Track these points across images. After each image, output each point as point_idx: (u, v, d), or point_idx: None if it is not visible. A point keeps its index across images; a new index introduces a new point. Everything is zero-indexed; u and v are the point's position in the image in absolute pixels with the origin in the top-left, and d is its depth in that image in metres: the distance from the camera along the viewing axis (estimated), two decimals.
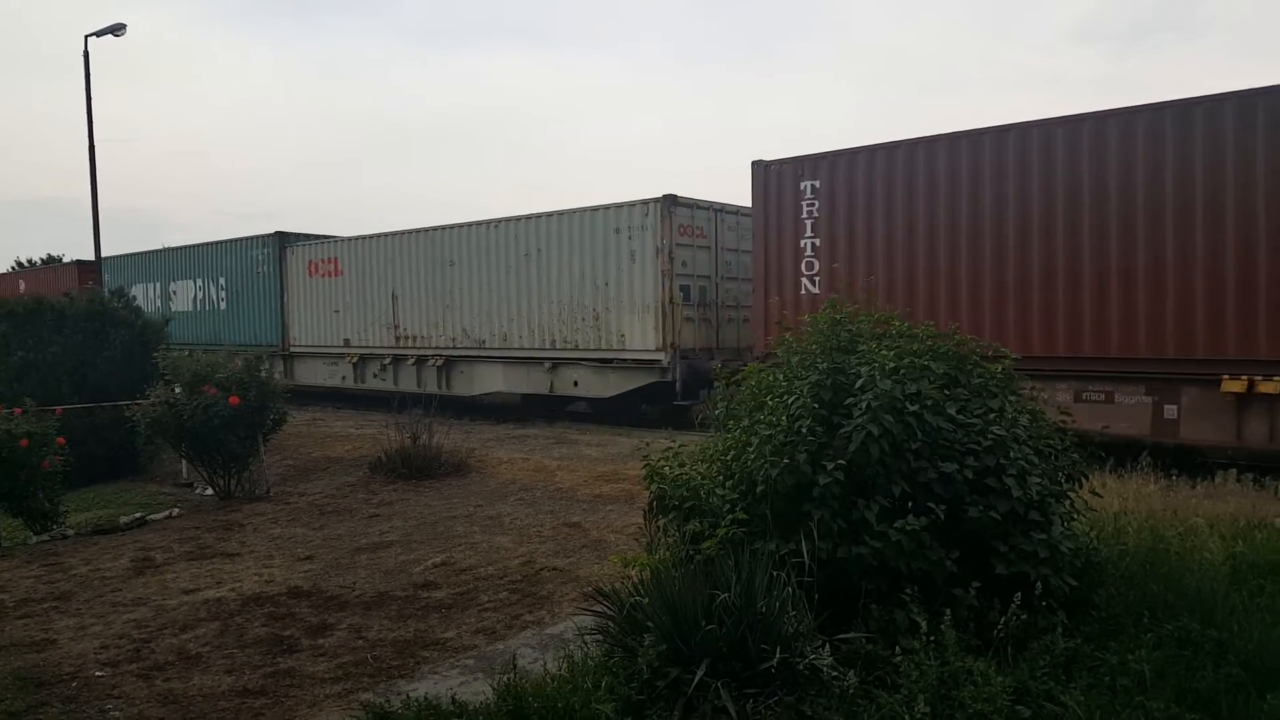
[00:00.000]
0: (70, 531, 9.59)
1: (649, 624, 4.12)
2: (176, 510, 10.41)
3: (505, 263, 16.45)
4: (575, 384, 15.60)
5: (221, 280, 22.78)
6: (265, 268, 21.45)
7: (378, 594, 6.59)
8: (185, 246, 24.05)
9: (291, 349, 21.07)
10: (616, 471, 10.54)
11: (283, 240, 21.26)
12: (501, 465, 11.51)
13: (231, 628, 5.93)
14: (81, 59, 21.42)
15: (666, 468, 5.25)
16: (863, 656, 4.12)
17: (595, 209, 15.16)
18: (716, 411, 5.65)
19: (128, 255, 25.89)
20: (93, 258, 22.92)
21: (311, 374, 20.74)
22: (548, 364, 15.84)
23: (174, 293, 24.33)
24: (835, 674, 3.92)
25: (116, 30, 21.06)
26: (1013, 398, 5.22)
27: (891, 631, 4.24)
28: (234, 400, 10.40)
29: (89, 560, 8.06)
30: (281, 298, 21.16)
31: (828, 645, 4.08)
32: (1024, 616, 4.27)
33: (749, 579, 4.08)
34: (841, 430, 4.61)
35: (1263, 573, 5.34)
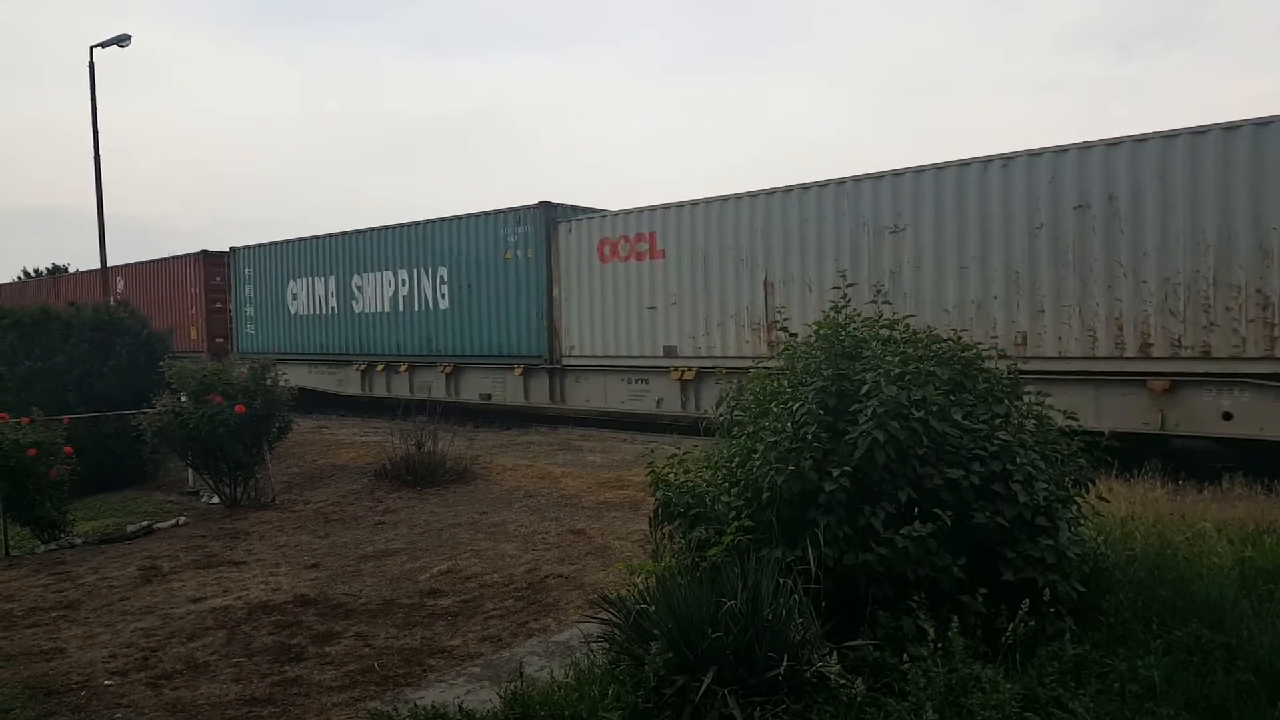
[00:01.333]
0: (78, 540, 9.62)
1: (655, 631, 4.12)
2: (183, 518, 10.44)
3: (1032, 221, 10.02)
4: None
5: (442, 271, 16.80)
6: (522, 251, 15.47)
7: (384, 602, 6.59)
8: (378, 229, 18.25)
9: (565, 360, 15.12)
10: (621, 478, 10.53)
11: (550, 213, 15.28)
12: (505, 472, 11.51)
13: (238, 636, 5.94)
14: (87, 69, 21.55)
15: (671, 474, 5.25)
16: (870, 664, 4.11)
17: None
18: (721, 417, 5.65)
19: (276, 244, 20.58)
20: (98, 266, 23.03)
21: (598, 394, 14.85)
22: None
23: (359, 289, 18.57)
24: (843, 682, 3.90)
25: (121, 41, 21.20)
26: (1018, 402, 5.21)
27: (899, 639, 4.23)
28: (240, 408, 10.43)
29: (96, 569, 8.08)
30: (549, 291, 15.15)
31: (835, 653, 4.07)
32: (1032, 623, 4.25)
33: (755, 586, 4.07)
34: (847, 436, 4.60)
35: (1272, 578, 5.31)
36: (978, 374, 5.19)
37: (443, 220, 16.94)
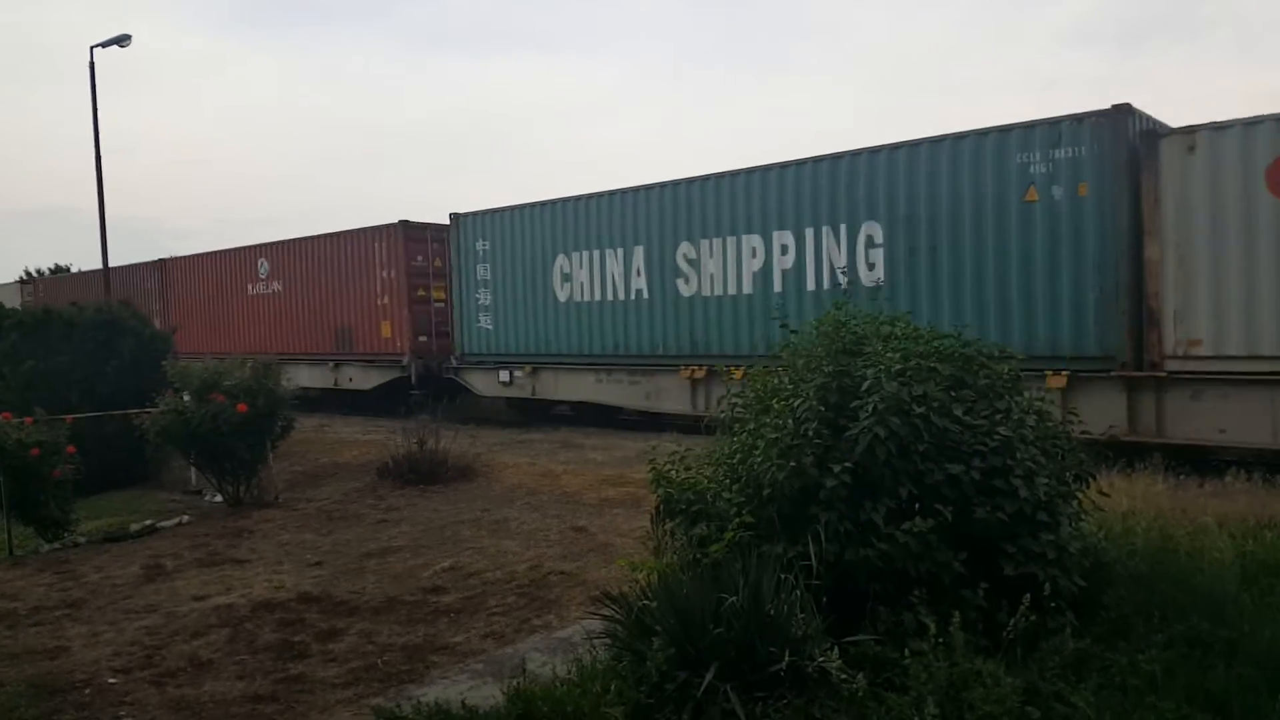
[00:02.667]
0: (81, 539, 9.65)
1: (657, 628, 4.13)
2: (186, 517, 10.47)
3: None
4: None
5: (870, 229, 11.29)
6: (1063, 186, 9.76)
7: (387, 599, 6.61)
8: (737, 172, 12.71)
9: (1172, 364, 9.18)
10: (622, 475, 10.54)
11: (1133, 123, 9.52)
12: (507, 470, 11.53)
13: (242, 634, 5.96)
14: (88, 69, 21.56)
15: (673, 471, 5.26)
16: (871, 659, 4.12)
17: None
18: (722, 414, 5.66)
19: (530, 206, 15.41)
20: (100, 266, 23.05)
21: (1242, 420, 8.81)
22: None
23: (689, 263, 13.09)
24: (844, 676, 3.91)
25: (122, 41, 21.19)
26: (1019, 398, 5.21)
27: (900, 633, 4.24)
28: (242, 407, 10.45)
29: (100, 568, 8.10)
30: (1133, 251, 9.38)
31: (836, 648, 4.08)
32: (1033, 617, 4.26)
33: (756, 582, 4.08)
34: (848, 433, 4.61)
35: (1273, 572, 5.32)
36: (979, 370, 5.19)
37: (890, 148, 11.12)
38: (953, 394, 4.88)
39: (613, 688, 4.10)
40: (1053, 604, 4.44)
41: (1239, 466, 8.15)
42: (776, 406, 5.00)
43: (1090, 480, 5.21)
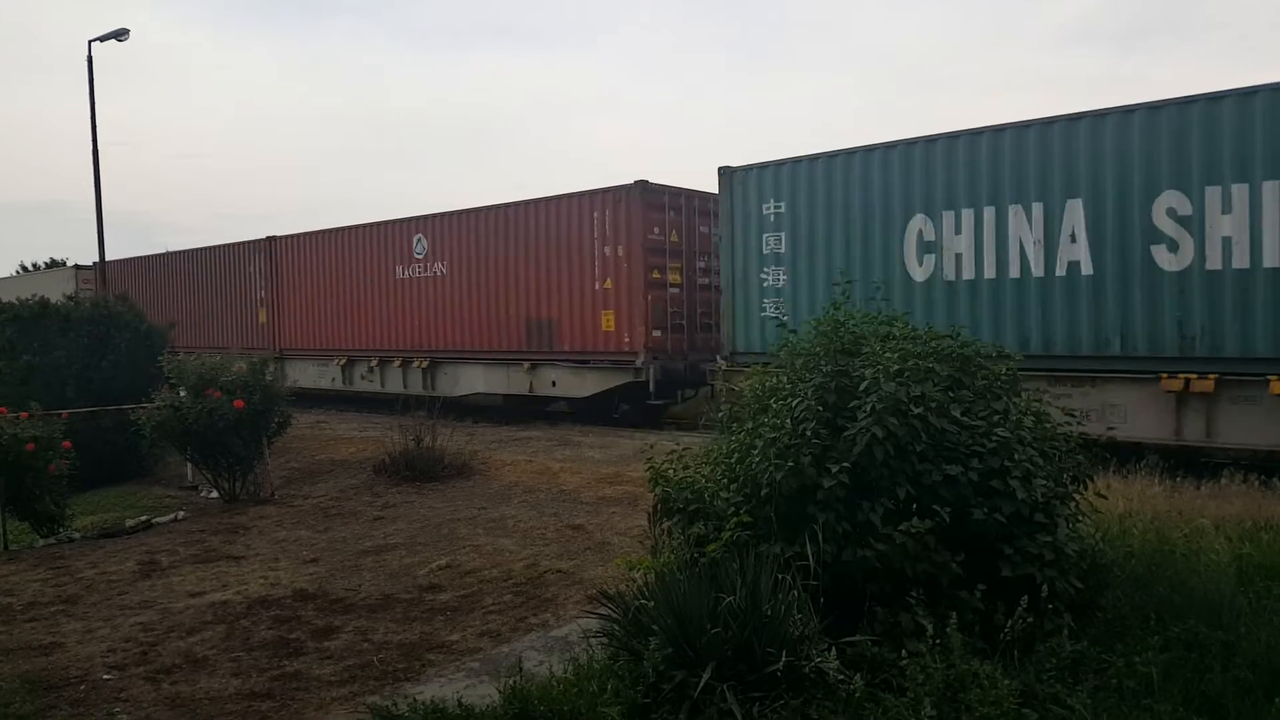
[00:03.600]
0: (76, 535, 9.63)
1: (654, 627, 4.13)
2: (182, 513, 10.44)
3: None
4: None
5: None
6: None
7: (383, 597, 6.60)
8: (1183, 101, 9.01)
9: None
10: (620, 474, 10.54)
11: None
12: (504, 467, 11.52)
13: (237, 631, 5.94)
14: (86, 63, 21.48)
15: (670, 470, 5.25)
16: (868, 659, 4.12)
17: None
18: (720, 414, 5.65)
19: (841, 153, 11.63)
20: (96, 261, 22.98)
21: None
22: None
23: (1173, 218, 9.15)
24: (841, 677, 3.91)
25: (120, 35, 21.12)
26: (1017, 399, 5.21)
27: (897, 634, 4.24)
28: (238, 403, 10.43)
29: (95, 564, 8.08)
30: None
31: (833, 648, 4.08)
32: (1030, 619, 4.26)
33: (754, 582, 4.08)
34: (846, 433, 4.60)
35: (1270, 574, 5.32)
36: (976, 370, 5.20)
37: None
38: (951, 394, 4.88)
39: (609, 687, 4.10)
40: (1050, 606, 4.44)
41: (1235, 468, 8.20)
42: (775, 406, 5.00)
43: (1088, 482, 5.21)
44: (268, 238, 21.44)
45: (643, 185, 13.90)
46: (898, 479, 4.51)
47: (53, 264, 40.83)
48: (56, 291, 22.98)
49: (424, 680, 4.95)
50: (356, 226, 19.13)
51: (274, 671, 5.20)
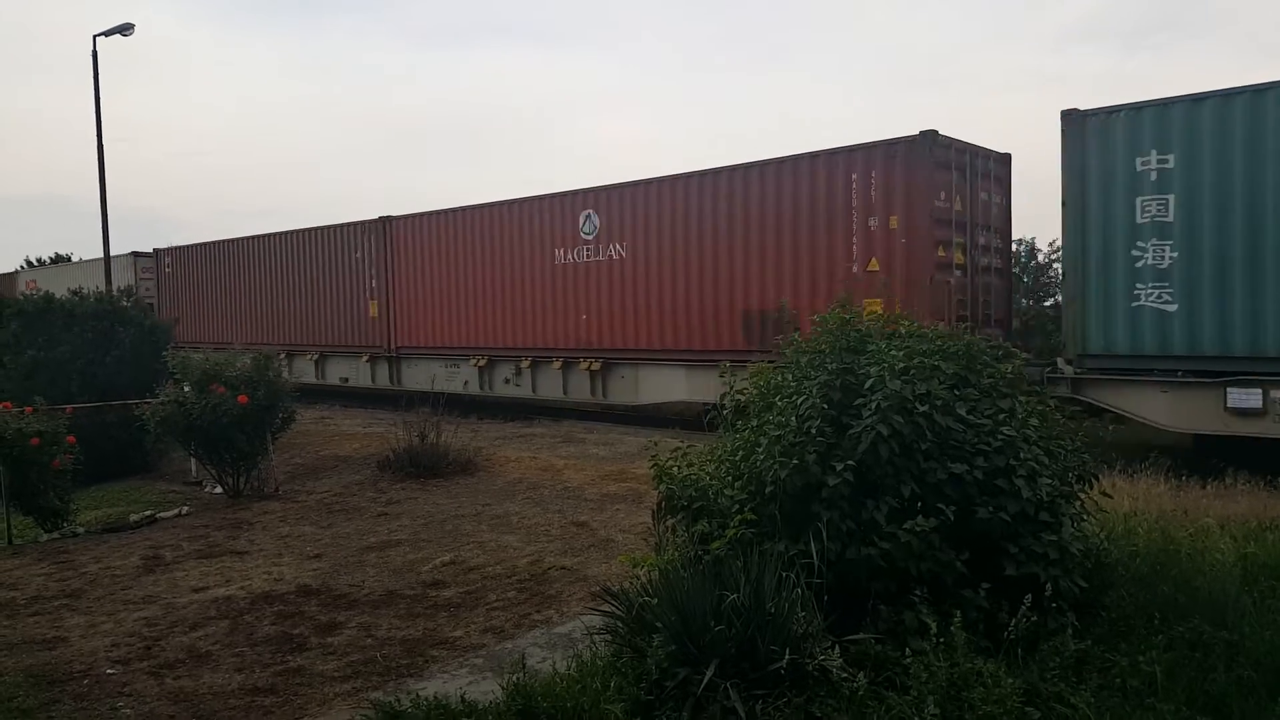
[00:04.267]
0: (80, 529, 9.65)
1: (658, 624, 4.13)
2: (186, 508, 10.46)
3: None
4: None
5: None
6: None
7: (386, 592, 6.61)
8: None
9: None
10: (624, 470, 10.54)
11: None
12: (509, 464, 11.52)
13: (241, 626, 5.95)
14: (90, 59, 21.49)
15: (675, 468, 5.25)
16: (872, 658, 4.12)
17: None
18: (725, 412, 5.65)
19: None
20: (100, 255, 22.99)
21: None
22: None
23: None
24: (844, 675, 3.91)
25: (124, 30, 21.14)
26: (1023, 398, 5.20)
27: (901, 633, 4.24)
28: (243, 399, 10.44)
29: (99, 558, 8.10)
30: None
31: (837, 646, 4.08)
32: (1034, 618, 4.26)
33: (758, 580, 4.08)
34: (851, 431, 4.60)
35: (1275, 574, 5.31)
36: (982, 369, 5.19)
37: None
38: (956, 393, 4.87)
39: (613, 684, 4.10)
40: (1054, 604, 4.44)
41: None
42: (779, 404, 5.00)
43: (1093, 481, 5.20)
44: (381, 218, 18.04)
45: (931, 137, 10.86)
46: (903, 477, 4.51)
47: (58, 259, 40.85)
48: (116, 279, 22.35)
49: (427, 676, 4.95)
50: (500, 203, 15.88)
51: (277, 667, 5.21)
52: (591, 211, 14.48)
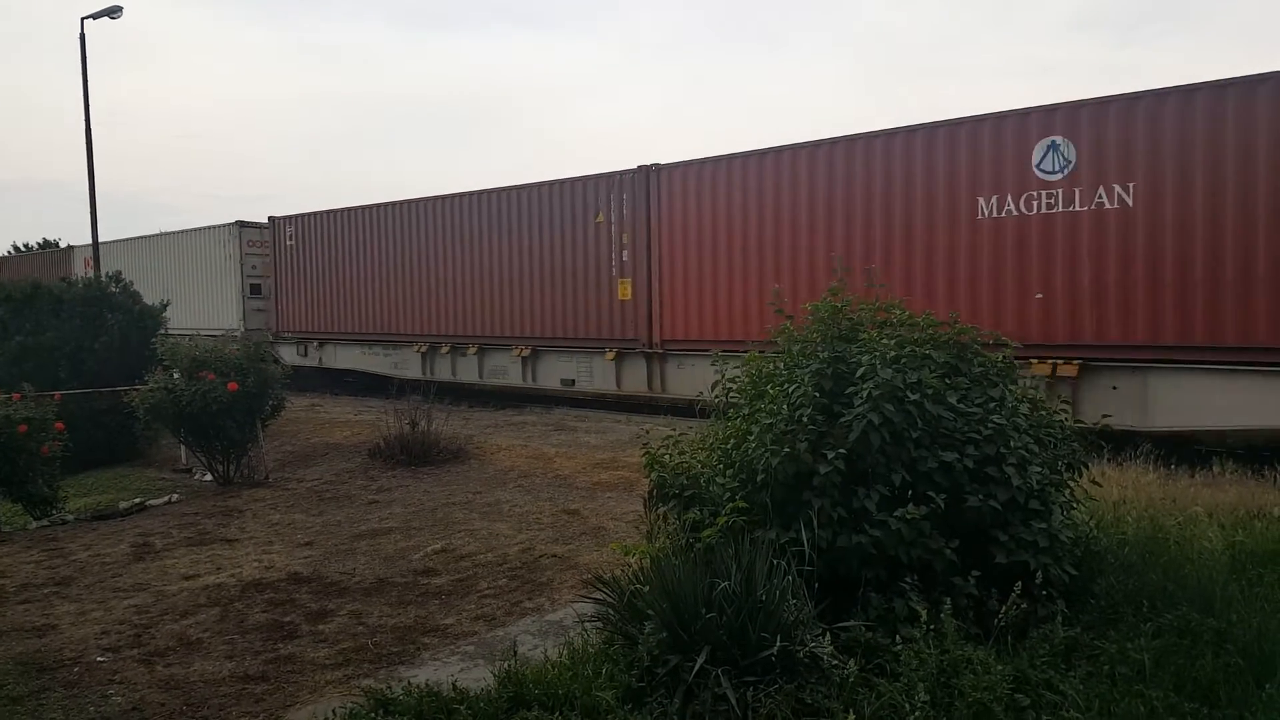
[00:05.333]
0: (70, 517, 9.60)
1: (649, 612, 4.13)
2: (176, 496, 10.42)
3: None
4: None
5: None
6: None
7: (377, 580, 6.60)
8: None
9: None
10: (615, 459, 10.54)
11: None
12: (500, 452, 11.51)
13: (232, 613, 5.94)
14: (78, 41, 21.22)
15: (666, 456, 5.25)
16: (863, 645, 4.14)
17: None
18: (716, 399, 5.64)
19: None
20: (89, 241, 22.78)
21: None
22: None
23: None
24: (835, 662, 3.93)
25: (113, 13, 20.90)
26: (1013, 386, 5.21)
27: (891, 620, 4.26)
28: (232, 386, 10.39)
29: (89, 546, 8.06)
30: None
31: (828, 634, 4.09)
32: (1024, 605, 4.28)
33: (749, 567, 4.08)
34: (842, 419, 4.60)
35: (1262, 562, 5.35)
36: (973, 358, 5.19)
37: None
38: (947, 381, 4.88)
39: (604, 671, 4.10)
40: (1043, 592, 4.46)
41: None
42: (771, 392, 4.99)
43: (1083, 469, 5.22)
44: (641, 167, 13.62)
45: None
46: (893, 465, 4.52)
47: (46, 245, 40.48)
48: (216, 253, 21.30)
49: (418, 663, 4.95)
50: (863, 136, 11.25)
51: (268, 654, 5.20)
52: (1061, 140, 9.66)
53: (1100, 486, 5.64)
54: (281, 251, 20.28)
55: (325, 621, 5.73)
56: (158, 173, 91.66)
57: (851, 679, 3.85)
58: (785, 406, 4.75)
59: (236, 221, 21.14)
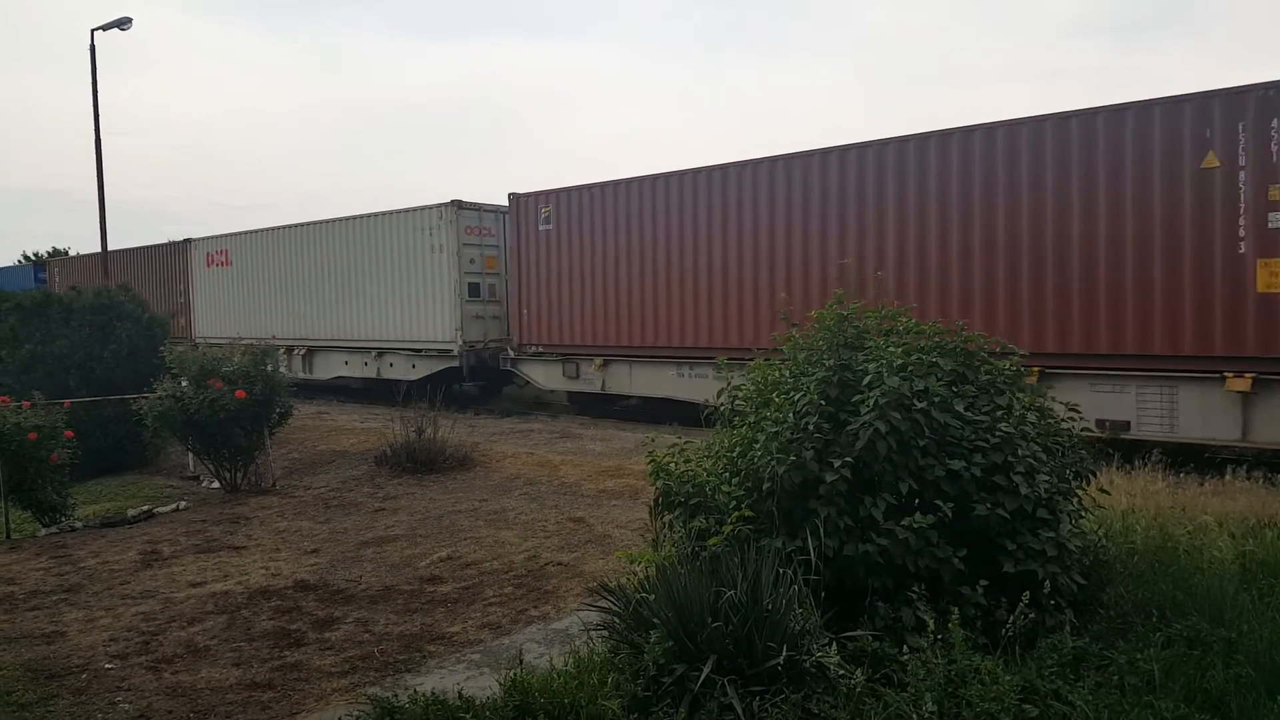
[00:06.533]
0: (78, 524, 9.64)
1: (655, 620, 4.12)
2: (183, 503, 10.45)
3: None
4: None
5: None
6: None
7: (384, 588, 6.60)
8: None
9: None
10: (621, 466, 10.53)
11: None
12: (506, 460, 11.51)
13: (239, 621, 5.95)
14: (88, 51, 21.43)
15: (672, 464, 5.24)
16: (869, 654, 4.11)
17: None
18: (722, 408, 5.63)
19: None
20: (99, 250, 22.93)
21: None
22: None
23: None
24: (842, 672, 3.90)
25: (122, 24, 21.10)
26: (1020, 394, 5.19)
27: (898, 629, 4.23)
28: (240, 394, 10.42)
29: (97, 553, 8.09)
30: None
31: (834, 643, 4.07)
32: (1032, 615, 4.26)
33: (755, 576, 4.07)
34: (849, 427, 4.59)
35: (1273, 572, 5.31)
36: (980, 365, 5.18)
37: None
38: (954, 389, 4.86)
39: (610, 680, 4.09)
40: (1052, 602, 4.44)
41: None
42: (777, 400, 4.98)
43: (1091, 478, 5.19)
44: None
45: None
46: (900, 474, 4.50)
47: (55, 253, 40.62)
48: (413, 244, 16.64)
49: (425, 672, 4.95)
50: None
51: (275, 662, 5.20)
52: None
53: (1109, 495, 5.61)
54: (530, 239, 15.37)
55: (331, 629, 5.74)
56: (167, 181, 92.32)
57: (858, 689, 3.83)
58: (791, 414, 4.74)
59: (453, 201, 16.23)
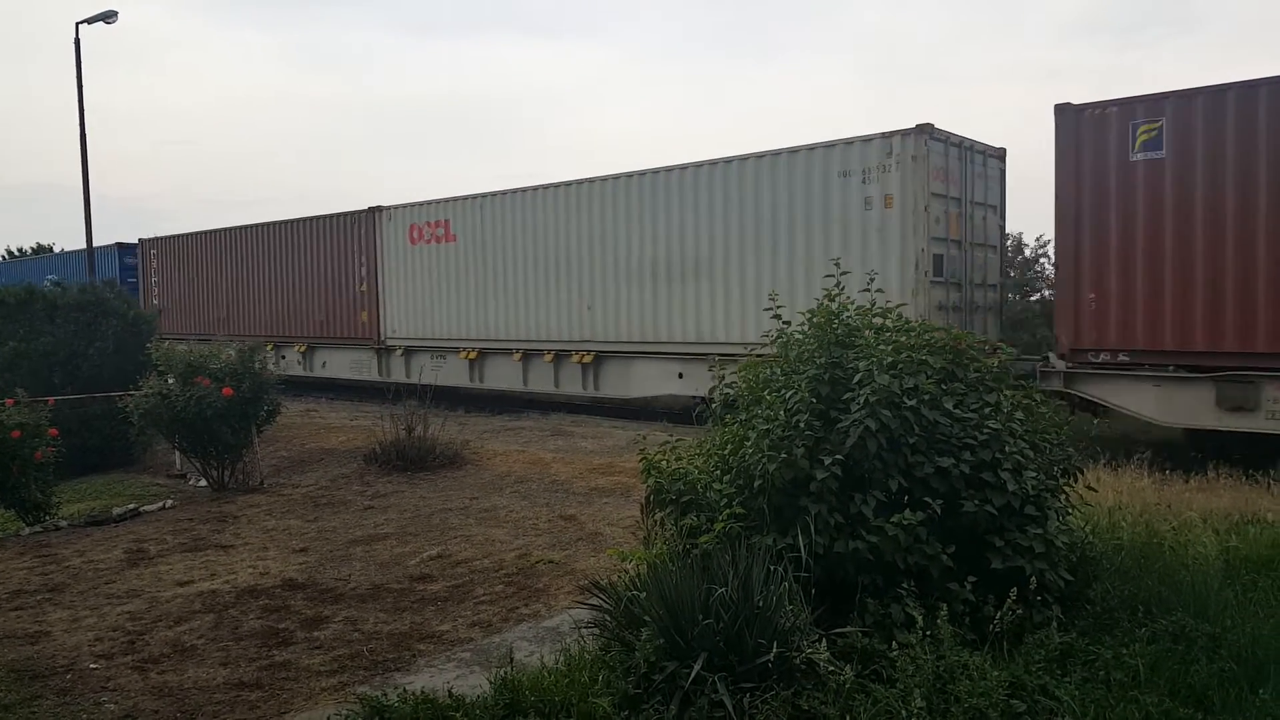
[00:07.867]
0: (63, 523, 9.55)
1: (646, 618, 4.12)
2: (170, 501, 10.38)
3: None
4: None
5: None
6: None
7: (373, 586, 6.58)
8: None
9: None
10: (612, 464, 10.53)
11: None
12: (496, 457, 11.49)
13: (226, 620, 5.91)
14: (73, 45, 21.21)
15: (663, 461, 5.25)
16: (859, 651, 4.13)
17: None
18: (713, 405, 5.65)
19: None
20: (84, 246, 22.71)
21: None
22: None
23: None
24: (832, 668, 3.92)
25: (108, 17, 20.89)
26: (1009, 392, 5.23)
27: (888, 626, 4.26)
28: (227, 391, 10.36)
29: (82, 552, 8.02)
30: None
31: (824, 639, 4.09)
32: (1019, 611, 4.29)
33: (746, 573, 4.08)
34: (839, 424, 4.60)
35: (1256, 567, 5.37)
36: (969, 363, 5.21)
37: None
38: (943, 387, 4.89)
39: (600, 677, 4.09)
40: (1039, 598, 4.47)
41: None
42: (768, 398, 5.00)
43: (1078, 475, 5.23)
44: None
45: None
46: (890, 471, 4.52)
47: (39, 250, 40.27)
48: (826, 198, 11.06)
49: (414, 670, 4.94)
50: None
51: (263, 661, 5.18)
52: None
53: (1096, 491, 5.66)
54: (1107, 179, 9.70)
55: (320, 628, 5.71)
56: (155, 178, 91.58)
57: (848, 685, 3.84)
58: (782, 412, 4.75)
59: (917, 127, 10.85)
